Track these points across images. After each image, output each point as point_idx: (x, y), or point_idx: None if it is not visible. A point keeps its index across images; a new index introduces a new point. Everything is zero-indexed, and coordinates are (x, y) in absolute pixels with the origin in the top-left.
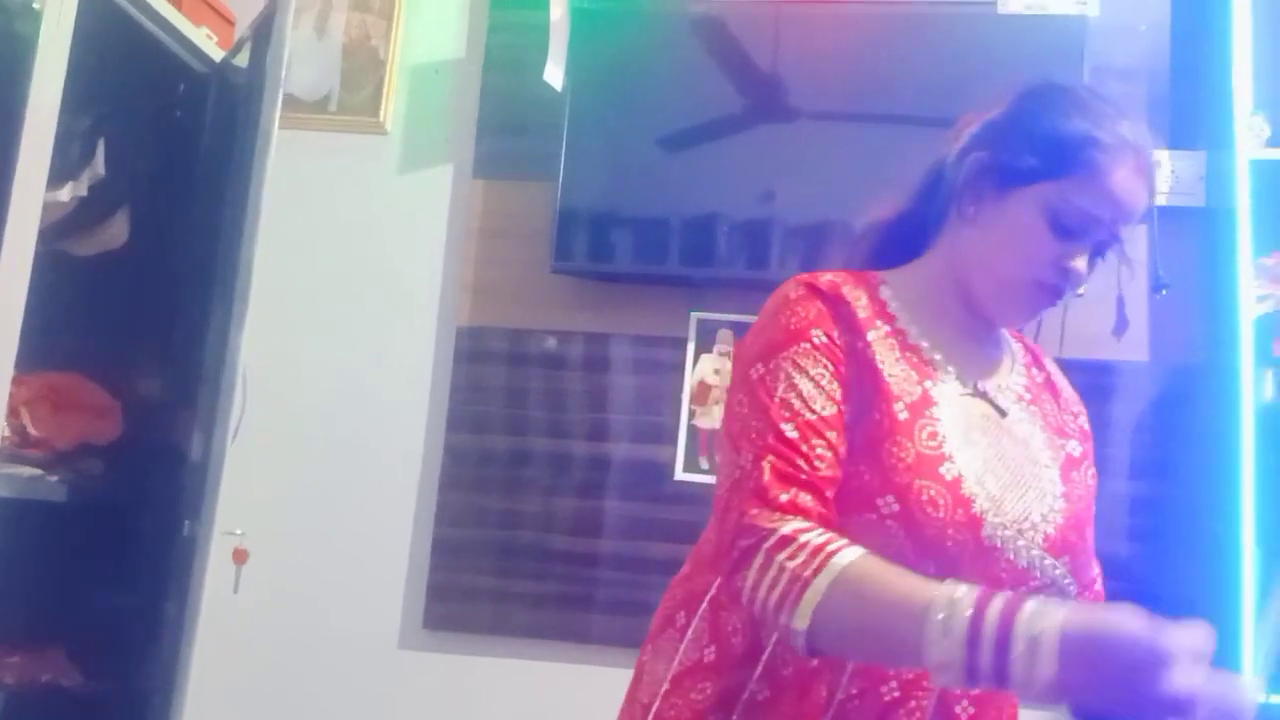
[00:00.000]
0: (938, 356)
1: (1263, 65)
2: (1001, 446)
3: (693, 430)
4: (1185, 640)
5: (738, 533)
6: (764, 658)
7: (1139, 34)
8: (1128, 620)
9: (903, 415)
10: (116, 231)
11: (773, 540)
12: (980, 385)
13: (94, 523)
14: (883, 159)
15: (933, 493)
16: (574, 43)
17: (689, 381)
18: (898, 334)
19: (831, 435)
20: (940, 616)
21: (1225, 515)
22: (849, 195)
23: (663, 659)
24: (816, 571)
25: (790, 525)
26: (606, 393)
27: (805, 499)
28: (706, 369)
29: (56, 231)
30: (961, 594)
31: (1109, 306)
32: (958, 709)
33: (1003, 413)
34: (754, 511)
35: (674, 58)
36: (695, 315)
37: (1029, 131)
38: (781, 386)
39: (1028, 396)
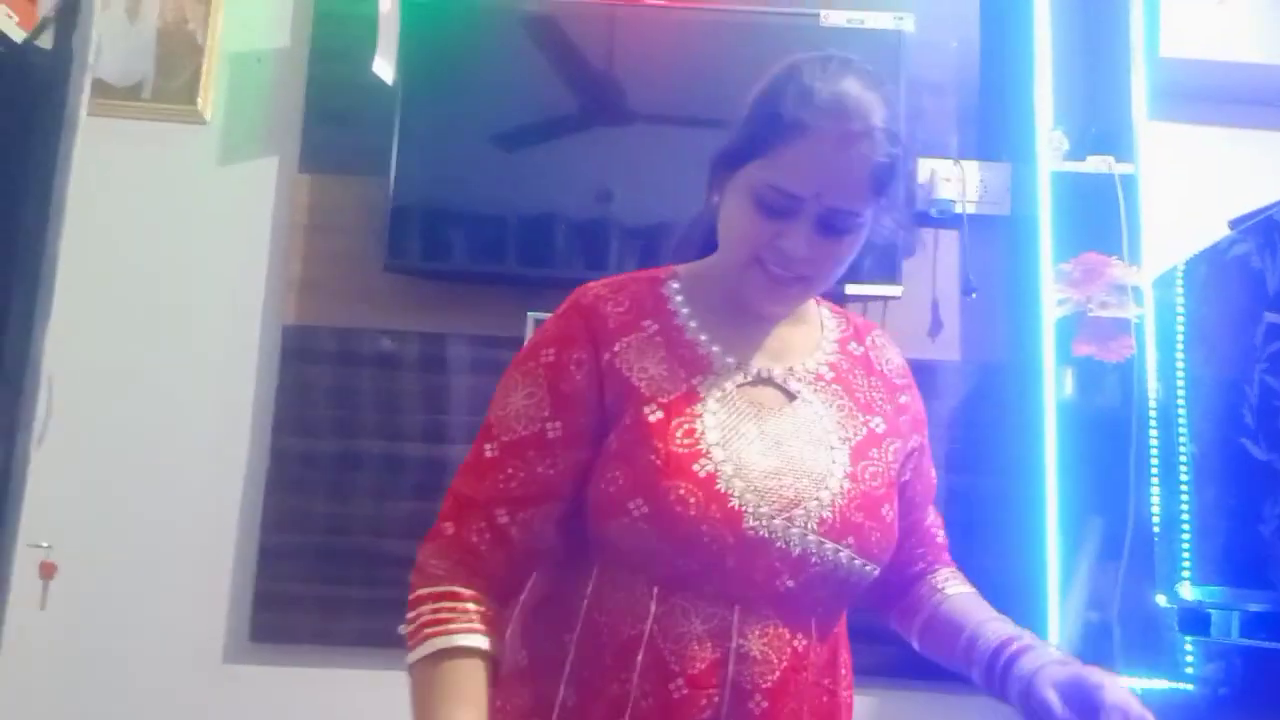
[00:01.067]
0: (716, 348)
1: (1062, 83)
2: (777, 434)
3: None
4: None
5: (418, 558)
6: (568, 662)
7: (951, 50)
8: None
9: (654, 417)
10: None
11: (413, 594)
12: (765, 371)
13: None
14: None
15: (682, 491)
16: (406, 35)
17: None
18: (671, 331)
19: (531, 453)
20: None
21: (1031, 503)
22: (683, 197)
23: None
24: (412, 645)
25: (431, 585)
26: (441, 393)
27: (468, 530)
28: None
29: None
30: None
31: (925, 309)
32: (750, 704)
33: (791, 396)
34: (430, 545)
35: (509, 55)
36: (532, 315)
37: (745, 115)
38: (501, 400)
39: (829, 375)
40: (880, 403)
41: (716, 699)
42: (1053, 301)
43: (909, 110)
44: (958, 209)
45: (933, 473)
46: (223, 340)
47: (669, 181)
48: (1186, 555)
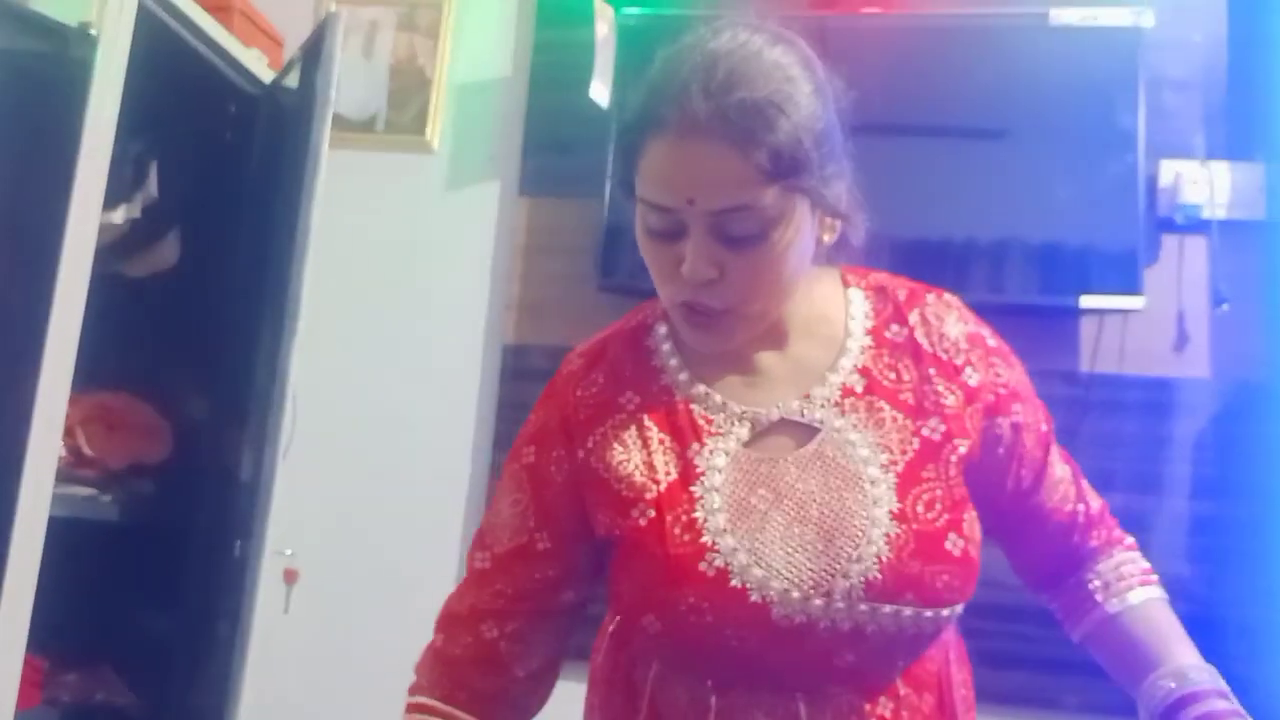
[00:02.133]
0: (717, 398)
1: None
2: (799, 492)
3: None
4: None
5: (419, 660)
6: (645, 700)
7: (1195, 45)
8: None
9: (645, 520)
10: (168, 252)
11: (408, 698)
12: (776, 414)
13: (146, 542)
14: (937, 171)
15: (693, 600)
16: (620, 59)
17: None
18: (658, 397)
19: (517, 569)
20: None
21: None
22: (902, 208)
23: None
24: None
25: (413, 697)
26: None
27: (459, 630)
28: None
29: (111, 253)
30: None
31: (1170, 322)
32: None
33: (813, 429)
34: (444, 611)
35: None
36: None
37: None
38: (493, 508)
39: (860, 386)
40: (935, 396)
41: None
42: None
43: (1150, 109)
44: (1205, 214)
45: (1041, 429)
46: (449, 359)
47: (888, 193)
48: None
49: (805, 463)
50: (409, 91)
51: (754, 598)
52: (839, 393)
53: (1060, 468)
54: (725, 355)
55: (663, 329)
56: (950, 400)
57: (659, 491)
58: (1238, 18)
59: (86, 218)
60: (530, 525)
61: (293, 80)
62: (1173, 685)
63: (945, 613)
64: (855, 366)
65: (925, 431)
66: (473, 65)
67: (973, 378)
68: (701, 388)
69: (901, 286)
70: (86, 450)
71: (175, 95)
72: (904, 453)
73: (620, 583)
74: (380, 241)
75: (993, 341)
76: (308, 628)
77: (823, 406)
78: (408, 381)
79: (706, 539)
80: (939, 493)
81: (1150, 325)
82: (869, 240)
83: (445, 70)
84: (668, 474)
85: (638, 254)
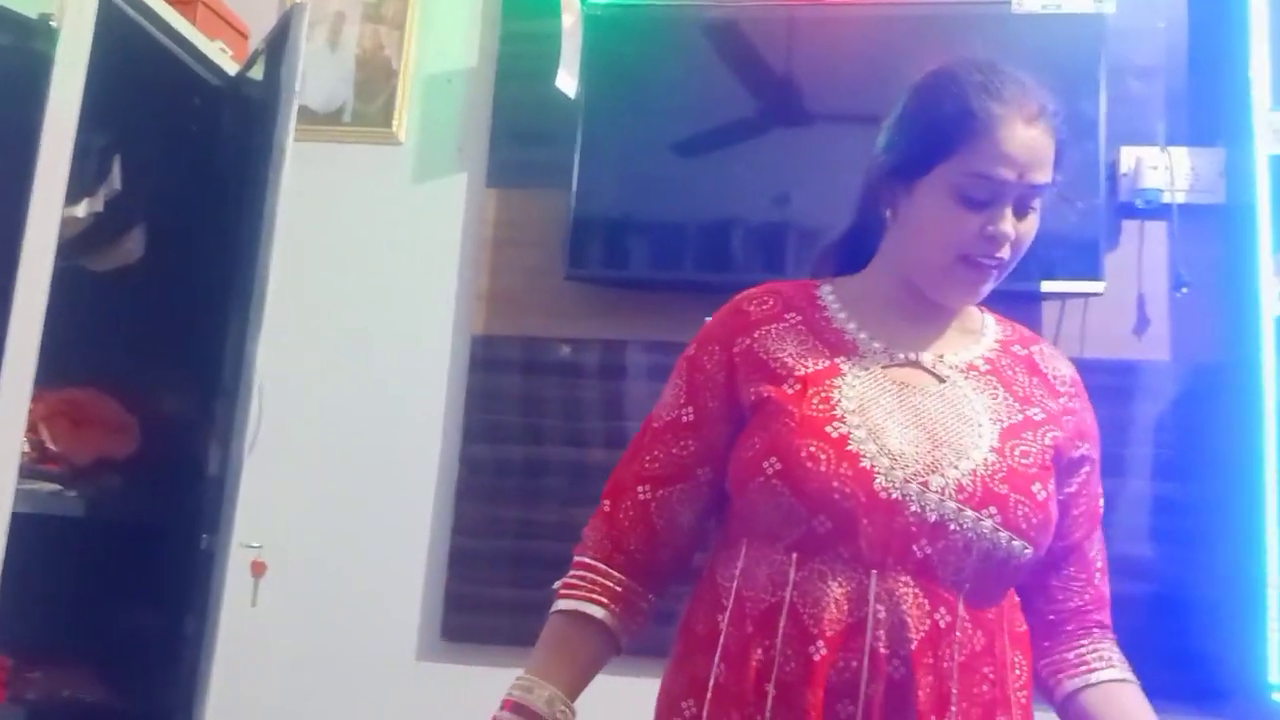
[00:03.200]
0: (863, 335)
1: None
2: (920, 408)
3: None
4: None
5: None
6: (720, 640)
7: (1157, 31)
8: None
9: (791, 389)
10: (133, 246)
11: (583, 552)
12: (914, 356)
13: (113, 538)
14: None
15: (813, 448)
16: (587, 49)
17: None
18: (817, 320)
19: (669, 436)
20: (520, 683)
21: (1248, 514)
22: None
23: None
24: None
25: (590, 558)
26: (623, 400)
27: (620, 504)
28: None
29: (74, 247)
30: (509, 694)
31: (1130, 306)
32: (889, 669)
33: (941, 379)
34: (593, 520)
35: (687, 62)
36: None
37: (913, 125)
38: (661, 396)
39: (985, 368)
40: (1041, 399)
41: (855, 663)
42: (1272, 296)
43: (1112, 96)
44: (1166, 198)
45: (1100, 500)
46: (417, 351)
47: (849, 183)
48: None
49: (929, 396)
50: (376, 83)
51: (864, 463)
52: (967, 364)
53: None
54: (885, 318)
55: (828, 288)
56: (1052, 405)
57: (806, 372)
58: (1198, 4)
59: (48, 212)
60: (680, 402)
61: (257, 72)
62: None
63: (1017, 543)
64: (983, 355)
65: (1029, 412)
66: (439, 56)
67: (1071, 404)
68: (853, 324)
69: (1023, 327)
70: (52, 446)
71: (138, 88)
72: (1010, 418)
73: (750, 441)
74: (348, 233)
75: (1084, 395)
76: (276, 621)
77: (951, 369)
78: (376, 373)
79: (837, 412)
80: (1033, 449)
81: (1111, 309)
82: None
83: (412, 61)
84: (816, 365)
85: (605, 244)
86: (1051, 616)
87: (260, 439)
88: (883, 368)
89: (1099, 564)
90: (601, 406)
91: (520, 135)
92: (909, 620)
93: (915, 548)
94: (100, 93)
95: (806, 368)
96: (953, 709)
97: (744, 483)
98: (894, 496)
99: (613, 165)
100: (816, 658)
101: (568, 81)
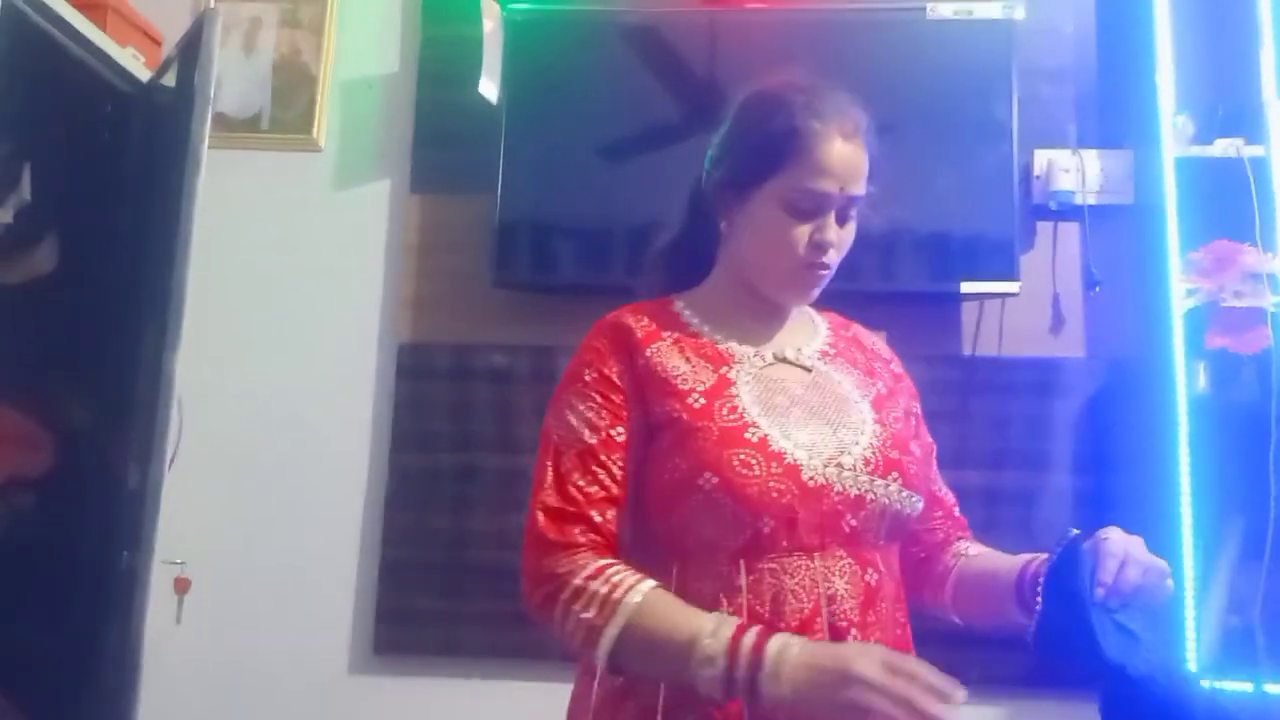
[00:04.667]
0: (731, 344)
1: (1185, 64)
2: (808, 399)
3: None
4: (873, 664)
5: (533, 581)
6: None
7: (1065, 36)
8: (842, 649)
9: (698, 403)
10: (44, 257)
11: (567, 593)
12: (779, 353)
13: (28, 557)
14: None
15: (743, 456)
16: (508, 54)
17: None
18: (689, 337)
19: (604, 457)
20: (710, 628)
21: (1164, 504)
22: None
23: (584, 686)
24: (607, 620)
25: (580, 573)
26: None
27: (574, 533)
28: None
29: None
30: (726, 621)
31: (1045, 305)
32: (848, 639)
33: (807, 370)
34: (543, 561)
35: (609, 67)
36: None
37: (743, 142)
38: (559, 422)
39: (833, 352)
40: (879, 371)
41: (821, 641)
42: (1182, 293)
43: (1023, 100)
44: (1078, 200)
45: (930, 439)
46: (342, 359)
47: None
48: None
49: (807, 385)
50: (293, 89)
51: (789, 459)
52: (819, 352)
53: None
54: (736, 322)
55: (680, 304)
56: (886, 376)
57: (705, 387)
58: (1105, 8)
59: None
60: (605, 423)
61: (171, 79)
62: (1017, 561)
63: (914, 498)
64: (827, 341)
65: (878, 386)
66: (359, 62)
67: (895, 368)
68: (719, 336)
69: (833, 314)
70: None
71: (47, 95)
72: (870, 392)
73: (671, 463)
74: (268, 241)
75: (897, 357)
76: (202, 639)
77: (811, 356)
78: (300, 383)
79: (748, 419)
80: (898, 413)
81: (1028, 308)
82: None
83: (331, 67)
84: (708, 379)
85: (531, 250)
86: (923, 554)
87: (181, 452)
88: (759, 369)
89: (951, 498)
90: (532, 413)
91: (443, 141)
92: (851, 589)
93: (843, 523)
94: (6, 100)
95: (703, 382)
96: None
97: (673, 502)
98: (819, 482)
99: (537, 170)
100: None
101: (490, 87)
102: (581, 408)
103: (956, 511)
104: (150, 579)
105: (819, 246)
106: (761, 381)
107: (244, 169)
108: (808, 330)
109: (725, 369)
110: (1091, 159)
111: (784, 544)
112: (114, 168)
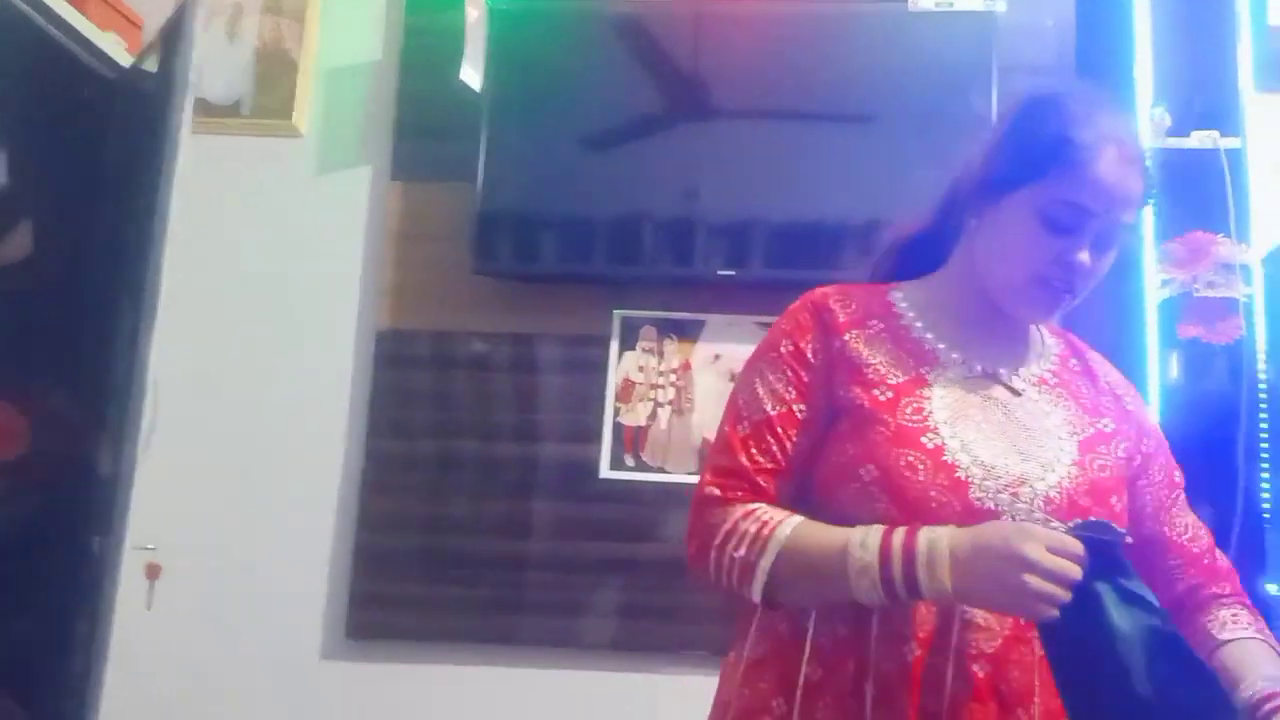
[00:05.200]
0: (941, 346)
1: (1163, 58)
2: (1003, 422)
3: (618, 428)
4: (1036, 539)
5: (692, 535)
6: (808, 641)
7: (1045, 30)
8: (996, 529)
9: (884, 396)
10: (20, 243)
11: (719, 538)
12: (990, 368)
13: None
14: (802, 155)
15: (911, 458)
16: (492, 43)
17: (613, 379)
18: (898, 329)
19: (780, 430)
20: (858, 539)
21: None
22: (770, 192)
23: (734, 659)
24: (760, 554)
25: (730, 519)
26: (531, 393)
27: (735, 494)
28: (630, 366)
29: None
30: (872, 529)
31: None
32: (975, 668)
33: (1016, 393)
34: (702, 515)
35: (594, 57)
36: (619, 313)
37: (1012, 143)
38: (746, 388)
39: (1053, 381)
40: (1108, 407)
41: (942, 660)
42: (1156, 282)
43: (1004, 94)
44: None
45: (1168, 487)
46: (321, 346)
47: (756, 177)
48: None
49: (1009, 408)
50: (275, 75)
51: (960, 474)
52: (1038, 378)
53: (1190, 515)
54: (956, 326)
55: (899, 294)
56: (1116, 413)
57: (897, 382)
58: (1085, 4)
59: None
60: (791, 397)
61: (152, 64)
62: (1261, 686)
63: None
64: (1050, 368)
65: (1100, 424)
66: (341, 49)
67: (1131, 407)
68: (930, 335)
69: (1072, 336)
70: None
71: (27, 80)
72: (1084, 431)
73: (842, 448)
74: (248, 227)
75: (1134, 391)
76: (173, 625)
77: (1025, 381)
78: (278, 370)
79: (931, 423)
80: (1109, 463)
81: None
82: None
83: (313, 54)
84: (904, 375)
85: (513, 239)
86: (1171, 606)
87: (156, 438)
88: (964, 380)
89: (1195, 543)
90: (510, 400)
91: (425, 129)
92: (994, 621)
93: None
94: None
95: (897, 377)
96: (1036, 701)
97: (835, 487)
98: (987, 506)
99: (519, 159)
100: (910, 658)
101: (472, 75)
102: (772, 378)
103: (1207, 560)
104: (121, 565)
105: (1068, 266)
106: (959, 391)
107: (225, 155)
108: (1033, 350)
109: (926, 369)
110: None
111: None
112: (93, 153)
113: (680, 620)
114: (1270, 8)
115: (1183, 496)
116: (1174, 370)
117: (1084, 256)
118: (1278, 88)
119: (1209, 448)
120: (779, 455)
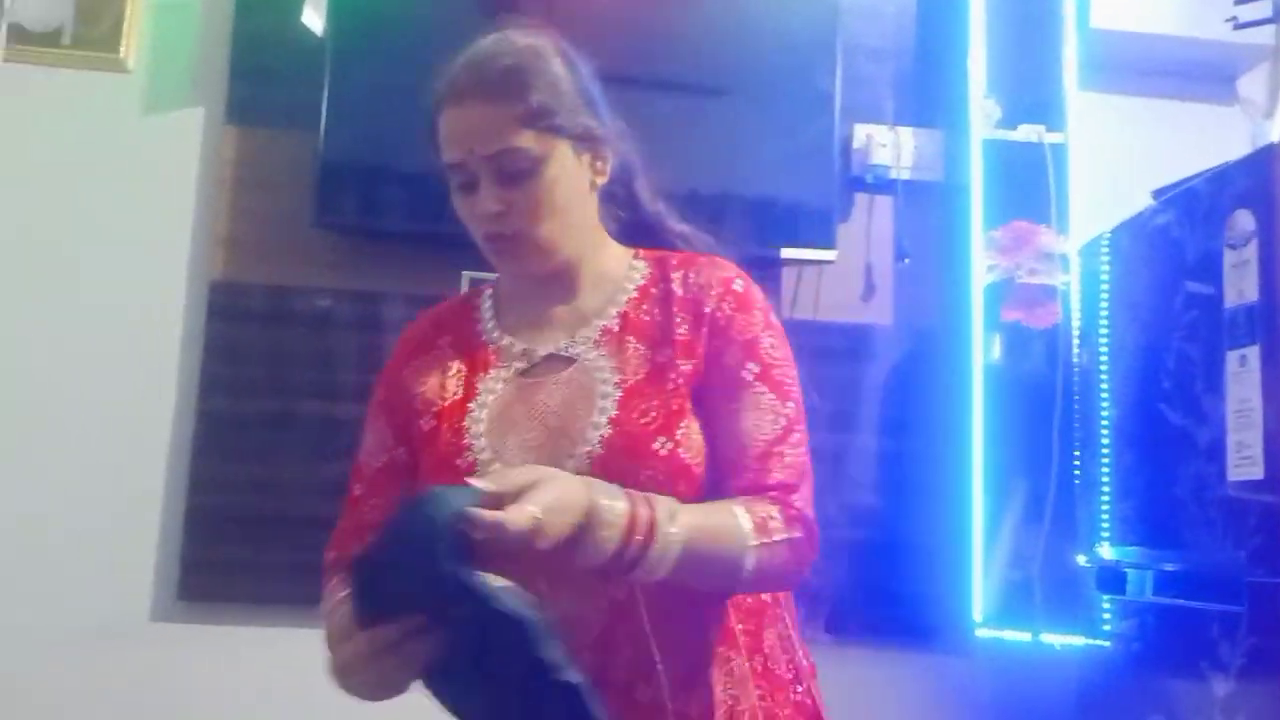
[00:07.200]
0: (505, 340)
1: (995, 51)
2: (545, 406)
3: None
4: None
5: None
6: None
7: (887, 16)
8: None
9: (428, 426)
10: None
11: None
12: (547, 350)
13: None
14: (647, 123)
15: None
16: None
17: None
18: (466, 339)
19: (388, 479)
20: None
21: (958, 465)
22: (650, 161)
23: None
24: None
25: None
26: (375, 353)
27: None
28: None
29: None
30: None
31: (859, 274)
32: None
33: (571, 360)
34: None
35: (442, 4)
36: (468, 275)
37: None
38: (361, 448)
39: (616, 327)
40: (671, 328)
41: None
42: (983, 268)
43: (846, 75)
44: (892, 175)
45: (739, 387)
46: (147, 296)
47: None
48: (1106, 517)
49: (559, 385)
50: (100, 5)
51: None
52: (599, 333)
53: (760, 416)
54: (527, 310)
55: (489, 292)
56: (683, 329)
57: (442, 406)
58: None
59: None
60: (389, 444)
61: None
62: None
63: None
64: (617, 312)
65: (657, 358)
66: None
67: (708, 307)
68: (499, 333)
69: (685, 256)
70: None
71: None
72: (635, 374)
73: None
74: (67, 165)
75: (739, 285)
76: None
77: (583, 344)
78: (99, 322)
79: (467, 440)
80: (655, 403)
81: (842, 276)
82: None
83: None
84: (455, 394)
85: (357, 192)
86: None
87: None
88: (518, 374)
89: (751, 445)
90: (351, 360)
91: (262, 72)
92: (587, 609)
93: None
94: None
95: (444, 400)
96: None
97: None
98: None
99: (364, 109)
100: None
101: (314, 18)
102: (372, 429)
103: (755, 465)
104: None
105: (483, 219)
106: (509, 390)
107: (42, 86)
108: (599, 298)
109: (480, 377)
110: (906, 136)
111: (507, 570)
112: None
113: None
114: (1093, 11)
115: (754, 395)
116: (996, 351)
117: (487, 205)
118: (1099, 87)
119: (1026, 425)
120: (385, 508)
